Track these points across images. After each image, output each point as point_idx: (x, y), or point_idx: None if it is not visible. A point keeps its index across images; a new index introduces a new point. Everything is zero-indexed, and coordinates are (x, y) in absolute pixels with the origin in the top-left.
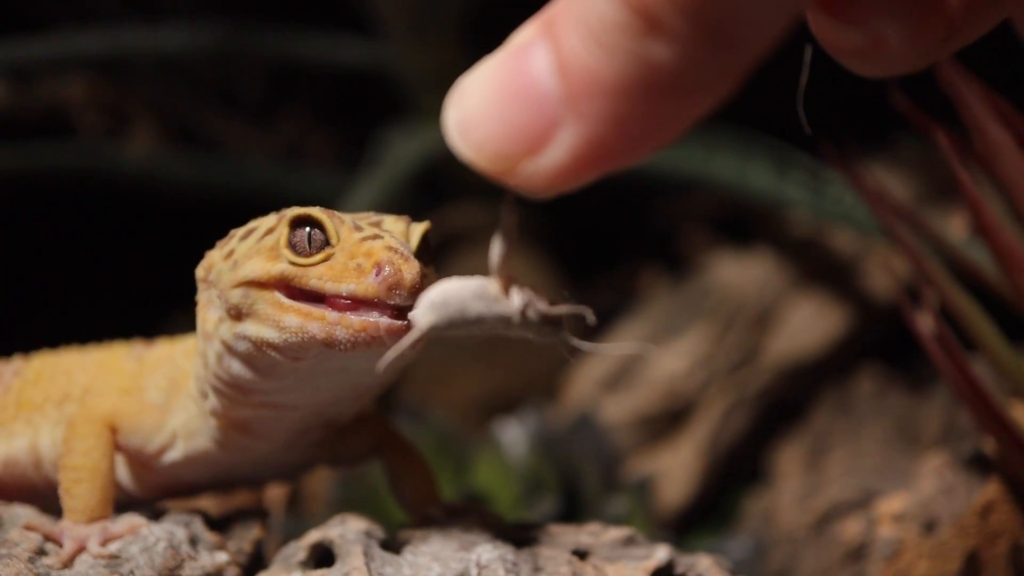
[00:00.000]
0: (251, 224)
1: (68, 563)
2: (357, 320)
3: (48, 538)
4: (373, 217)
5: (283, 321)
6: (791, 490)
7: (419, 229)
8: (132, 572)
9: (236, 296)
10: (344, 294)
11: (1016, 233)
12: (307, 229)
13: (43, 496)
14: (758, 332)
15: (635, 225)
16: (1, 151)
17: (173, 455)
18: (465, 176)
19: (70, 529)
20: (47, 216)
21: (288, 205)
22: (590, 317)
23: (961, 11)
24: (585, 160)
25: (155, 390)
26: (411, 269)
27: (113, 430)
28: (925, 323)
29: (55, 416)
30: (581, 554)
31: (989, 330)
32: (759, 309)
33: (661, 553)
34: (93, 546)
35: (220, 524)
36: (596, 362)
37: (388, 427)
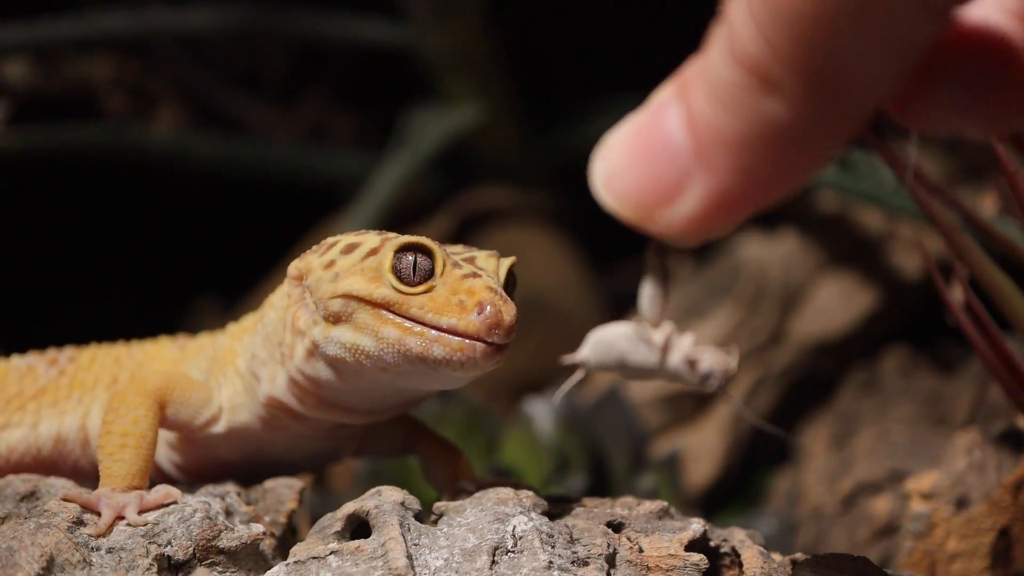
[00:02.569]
0: (352, 238)
1: (106, 532)
2: (456, 340)
3: (85, 508)
4: (466, 253)
5: (382, 332)
6: (818, 469)
7: (506, 264)
8: (170, 543)
9: (336, 305)
10: (445, 327)
11: None
12: (412, 257)
13: (88, 477)
14: (784, 312)
15: None
16: (27, 131)
17: (217, 428)
18: (490, 157)
19: (108, 497)
20: (73, 195)
21: (312, 185)
22: (733, 364)
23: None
24: (715, 209)
25: (196, 371)
26: (510, 311)
27: (162, 404)
28: (956, 297)
29: (104, 398)
30: (616, 526)
31: (1020, 302)
32: (785, 289)
33: (696, 526)
34: (131, 514)
35: (255, 499)
36: None
37: (417, 421)
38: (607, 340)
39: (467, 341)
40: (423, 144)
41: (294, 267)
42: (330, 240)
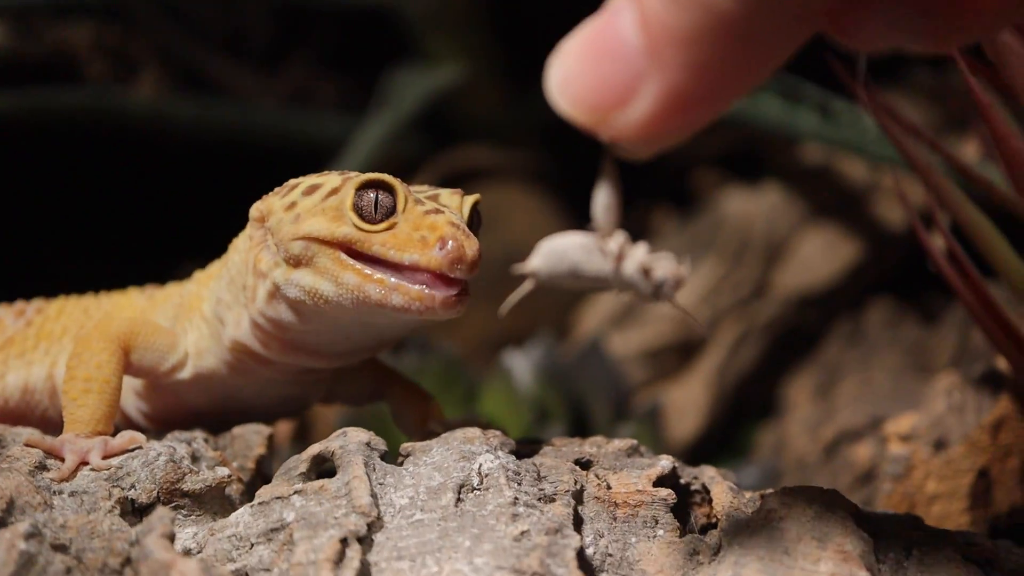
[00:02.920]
0: (313, 179)
1: (69, 477)
2: (415, 289)
3: (49, 453)
4: (430, 191)
5: (342, 277)
6: (801, 419)
7: (470, 201)
8: (133, 486)
9: (297, 247)
10: (407, 263)
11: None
12: (373, 194)
13: (57, 427)
14: (768, 264)
15: (645, 167)
16: (6, 95)
17: (183, 374)
18: (472, 117)
19: (71, 442)
20: (54, 159)
21: (295, 149)
22: (685, 271)
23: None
24: (669, 110)
25: (163, 319)
26: (472, 246)
27: (126, 350)
28: (937, 243)
29: (71, 347)
30: (584, 464)
31: (1005, 248)
32: (769, 242)
33: (665, 462)
34: (95, 459)
35: (223, 445)
36: (605, 300)
37: (387, 367)
38: (559, 249)
39: (426, 290)
40: (404, 104)
41: (256, 208)
42: (292, 182)
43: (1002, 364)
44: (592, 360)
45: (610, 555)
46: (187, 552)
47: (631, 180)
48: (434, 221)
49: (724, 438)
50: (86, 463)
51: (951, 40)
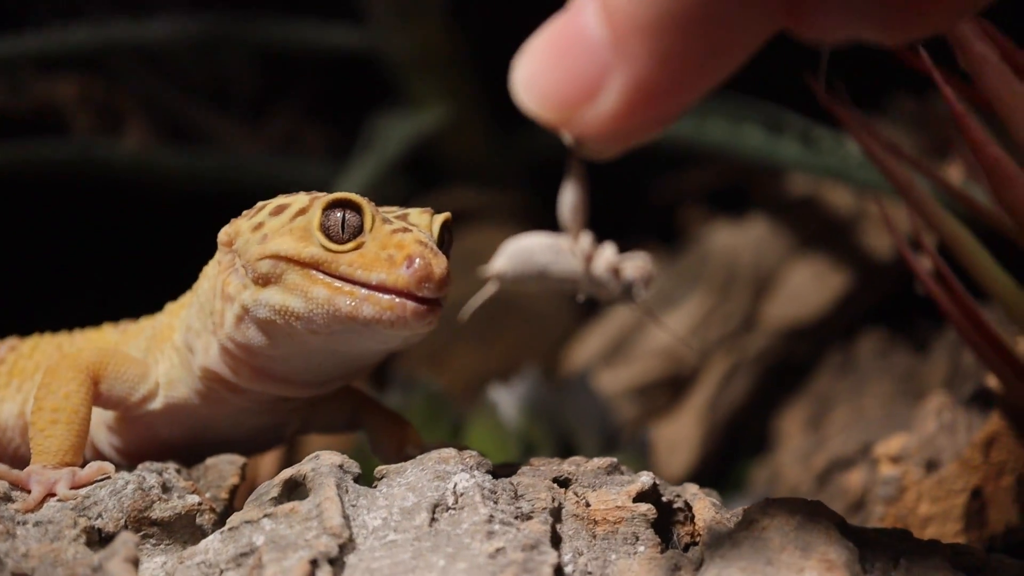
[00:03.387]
0: (281, 200)
1: (35, 508)
2: (385, 298)
3: (15, 484)
4: (399, 210)
5: (311, 292)
6: (793, 450)
7: (440, 219)
8: (100, 515)
9: (265, 266)
10: (374, 283)
11: (1003, 148)
12: (340, 214)
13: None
14: (757, 297)
15: (633, 205)
16: None
17: (154, 404)
18: (457, 159)
19: (38, 474)
20: (41, 212)
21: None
22: (652, 268)
23: None
24: (637, 103)
25: (135, 351)
26: (440, 264)
27: (96, 380)
28: (924, 264)
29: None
30: (562, 482)
31: (992, 266)
32: (757, 274)
33: (645, 478)
34: (62, 489)
35: (196, 476)
36: (594, 338)
37: (363, 395)
38: (527, 250)
39: (397, 299)
40: (389, 147)
41: (224, 232)
42: (260, 204)
43: (992, 382)
44: (580, 394)
45: (589, 572)
46: None
47: (618, 220)
48: (401, 240)
49: (718, 473)
50: (53, 494)
51: (910, 30)
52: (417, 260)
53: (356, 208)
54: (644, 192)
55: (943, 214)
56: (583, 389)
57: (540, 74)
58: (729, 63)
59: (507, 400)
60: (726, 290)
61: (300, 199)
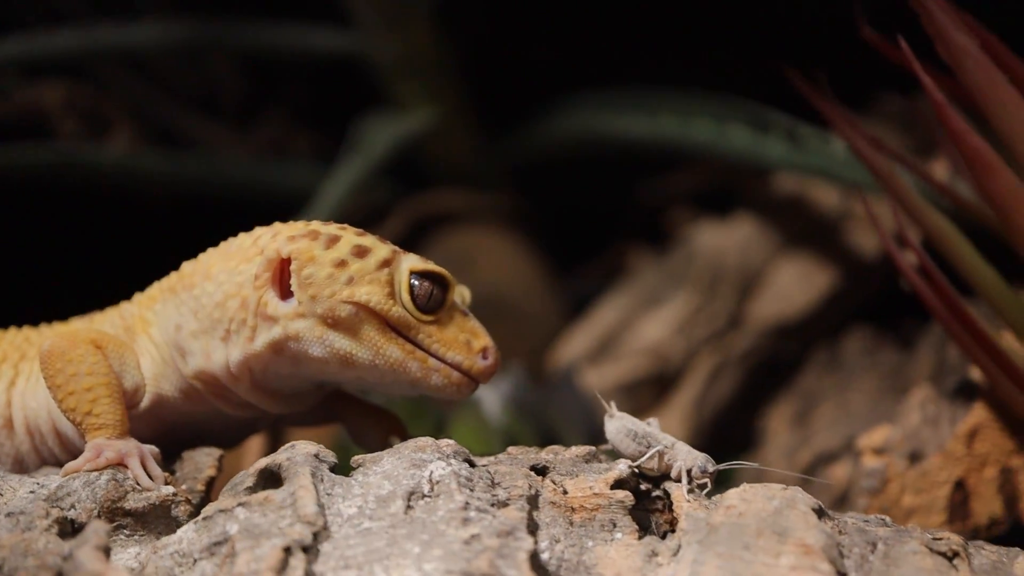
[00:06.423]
0: (356, 239)
1: (101, 467)
2: (456, 375)
3: (109, 465)
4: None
5: (385, 349)
6: (779, 447)
7: (468, 293)
8: (73, 506)
9: (345, 310)
10: (449, 361)
11: (984, 138)
12: (430, 287)
13: None
14: (743, 296)
15: (619, 207)
16: None
17: (143, 400)
18: (445, 162)
19: (104, 444)
20: (25, 216)
21: (269, 200)
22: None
23: None
24: None
25: (110, 328)
26: (499, 360)
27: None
28: (909, 259)
29: (10, 375)
30: (540, 470)
31: (976, 259)
32: (743, 273)
33: (623, 466)
34: (135, 465)
35: (172, 468)
36: (580, 336)
37: (341, 391)
38: (636, 432)
39: (465, 379)
40: (375, 150)
41: (274, 249)
42: (319, 228)
43: (975, 375)
44: (564, 392)
45: (566, 559)
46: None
47: (604, 222)
48: (475, 328)
49: None
50: (123, 465)
51: None
52: (491, 355)
53: (444, 286)
54: (631, 194)
55: (928, 209)
56: (567, 387)
57: None
58: None
59: (491, 398)
60: (712, 289)
61: (381, 248)
